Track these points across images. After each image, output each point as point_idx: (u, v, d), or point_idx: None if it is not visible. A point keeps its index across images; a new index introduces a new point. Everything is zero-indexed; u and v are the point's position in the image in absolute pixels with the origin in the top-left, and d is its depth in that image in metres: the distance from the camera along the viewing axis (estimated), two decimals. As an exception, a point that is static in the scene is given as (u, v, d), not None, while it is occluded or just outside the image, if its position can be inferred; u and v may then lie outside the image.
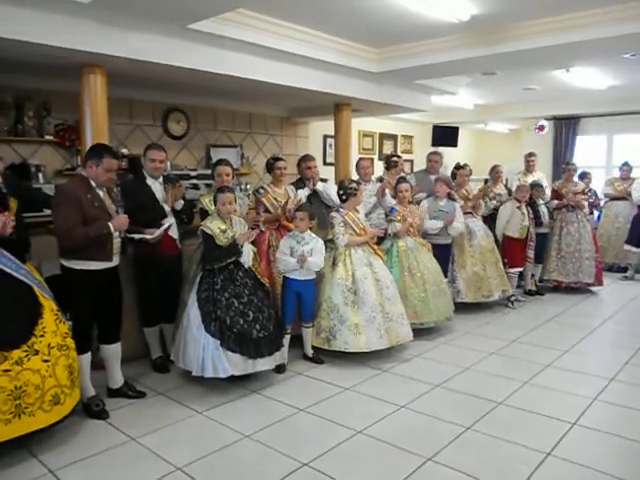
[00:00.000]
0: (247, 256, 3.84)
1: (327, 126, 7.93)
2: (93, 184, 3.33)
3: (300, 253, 4.02)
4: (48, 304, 3.06)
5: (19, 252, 3.06)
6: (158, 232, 3.76)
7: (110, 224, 3.26)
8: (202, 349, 3.62)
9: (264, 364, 3.74)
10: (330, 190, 4.90)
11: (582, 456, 2.84)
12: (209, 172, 6.27)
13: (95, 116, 4.27)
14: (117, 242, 3.40)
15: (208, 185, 6.28)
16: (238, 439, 3.07)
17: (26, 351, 2.84)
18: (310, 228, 4.20)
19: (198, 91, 6.17)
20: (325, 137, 8.78)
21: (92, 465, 2.82)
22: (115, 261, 3.42)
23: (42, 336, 2.93)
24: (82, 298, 3.32)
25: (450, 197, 5.50)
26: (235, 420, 3.30)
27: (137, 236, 3.59)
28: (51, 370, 2.92)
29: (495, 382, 3.88)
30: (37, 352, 2.88)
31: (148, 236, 3.71)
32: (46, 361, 2.91)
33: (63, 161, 5.73)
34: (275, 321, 3.89)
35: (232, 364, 3.59)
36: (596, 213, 8.04)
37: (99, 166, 3.30)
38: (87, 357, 3.39)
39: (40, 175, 5.37)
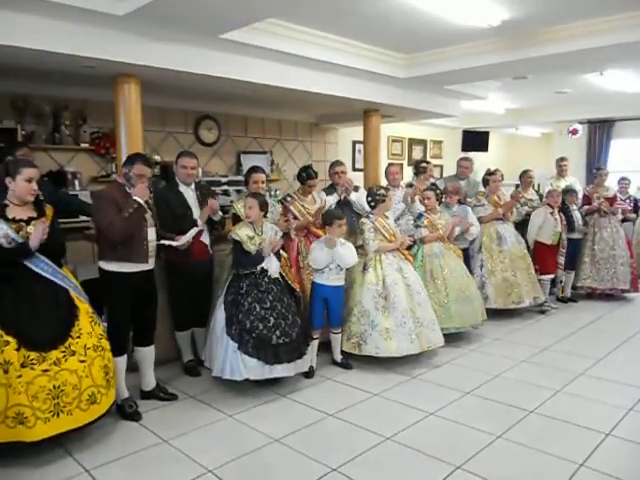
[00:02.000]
0: (274, 266, 3.86)
1: (356, 132, 7.97)
2: (128, 190, 3.42)
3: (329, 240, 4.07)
4: (83, 307, 3.15)
5: (55, 257, 3.15)
6: (185, 238, 3.81)
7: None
8: (224, 351, 3.68)
9: (282, 371, 3.70)
10: (362, 200, 4.89)
11: (616, 468, 2.78)
12: (240, 178, 6.44)
13: (129, 124, 4.39)
14: (152, 245, 3.49)
15: (238, 191, 6.39)
16: (268, 443, 3.10)
17: (63, 352, 2.93)
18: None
19: (229, 99, 6.27)
20: (354, 143, 8.80)
21: (126, 465, 2.89)
22: (151, 264, 3.51)
23: (78, 337, 3.02)
24: (119, 300, 3.42)
25: (460, 202, 5.51)
26: (265, 424, 3.33)
27: (166, 242, 3.65)
28: (87, 370, 3.00)
29: (526, 390, 3.83)
30: (74, 353, 2.97)
31: (175, 243, 3.77)
32: (83, 361, 2.99)
33: (98, 168, 5.89)
34: (300, 328, 3.87)
35: (248, 368, 3.61)
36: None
37: (131, 171, 3.39)
38: (123, 359, 3.47)
39: (76, 182, 5.53)
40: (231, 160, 7.17)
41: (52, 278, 3.06)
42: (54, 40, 3.62)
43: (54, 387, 2.86)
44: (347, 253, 4.13)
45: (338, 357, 4.34)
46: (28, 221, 3.04)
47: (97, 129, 5.81)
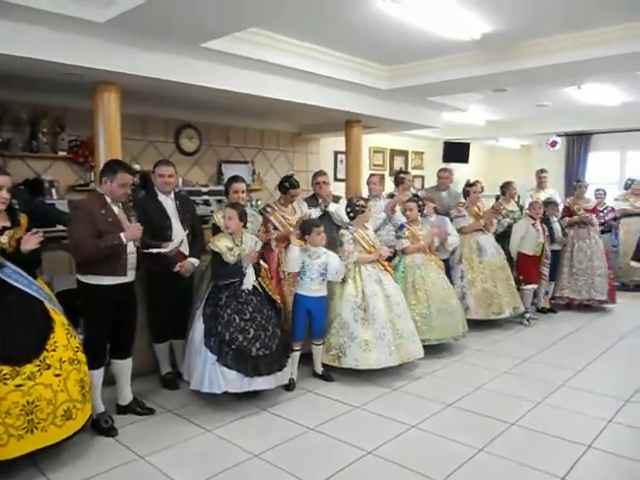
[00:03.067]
0: (250, 278, 3.81)
1: (338, 142, 7.97)
2: (108, 200, 3.36)
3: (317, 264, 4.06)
4: (59, 319, 3.08)
5: (30, 268, 3.08)
6: (173, 245, 3.76)
7: (122, 235, 3.26)
8: (202, 363, 3.62)
9: (262, 383, 3.65)
10: (341, 211, 4.87)
11: (597, 480, 2.78)
12: (220, 188, 6.38)
13: (108, 132, 4.33)
14: (132, 257, 3.41)
15: (219, 201, 6.34)
16: (247, 458, 3.04)
17: (38, 365, 2.84)
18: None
19: (210, 108, 6.22)
20: (336, 153, 8.80)
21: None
22: (130, 276, 3.43)
23: (54, 350, 2.94)
24: (98, 313, 3.34)
25: (437, 212, 5.53)
26: (244, 439, 3.27)
27: (154, 250, 3.59)
28: (63, 384, 2.92)
29: (508, 402, 3.83)
30: (49, 366, 2.88)
31: (163, 250, 3.71)
32: (58, 375, 2.91)
33: (76, 177, 5.80)
34: (280, 340, 3.82)
35: (228, 381, 3.55)
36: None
37: (113, 181, 3.34)
38: (100, 372, 3.39)
39: (53, 190, 5.43)
40: (212, 170, 7.11)
41: (26, 289, 2.99)
42: (34, 46, 3.55)
43: (28, 403, 2.76)
44: (337, 263, 4.12)
45: (319, 369, 4.29)
46: (2, 231, 2.96)
47: (76, 137, 5.71)
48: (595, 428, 3.38)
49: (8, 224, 3.01)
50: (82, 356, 3.12)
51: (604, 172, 9.85)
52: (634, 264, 7.23)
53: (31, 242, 2.96)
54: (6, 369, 2.75)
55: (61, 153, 5.61)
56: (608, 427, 3.41)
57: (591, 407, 3.71)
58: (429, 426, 3.43)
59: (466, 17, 4.23)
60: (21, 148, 5.39)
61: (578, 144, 9.99)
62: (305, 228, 4.17)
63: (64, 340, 3.02)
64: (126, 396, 3.62)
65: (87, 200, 3.44)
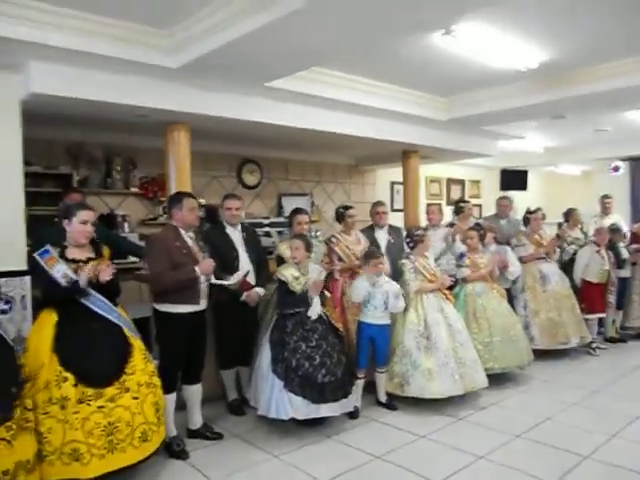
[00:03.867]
0: (315, 307, 3.91)
1: (394, 173, 8.08)
2: (182, 232, 3.57)
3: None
4: (137, 344, 3.25)
5: (112, 296, 3.28)
6: (235, 278, 3.93)
7: (196, 268, 3.46)
8: (270, 389, 3.71)
9: (328, 410, 3.72)
10: None
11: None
12: (281, 220, 6.58)
13: (179, 169, 4.60)
14: (204, 286, 3.59)
15: (280, 232, 6.51)
16: (314, 484, 3.09)
17: (119, 388, 3.00)
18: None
19: (270, 143, 6.48)
20: (392, 183, 8.89)
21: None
22: (203, 305, 3.61)
23: (132, 374, 3.09)
24: (172, 339, 3.52)
25: (497, 241, 5.48)
26: (310, 465, 3.32)
27: (217, 282, 3.76)
28: (140, 407, 3.06)
29: (579, 434, 3.70)
30: (128, 389, 3.04)
31: (226, 282, 3.88)
32: (136, 398, 3.05)
33: (146, 211, 6.13)
34: (345, 367, 3.88)
35: (294, 407, 3.62)
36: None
37: (182, 209, 3.56)
38: (173, 396, 3.54)
39: (125, 225, 5.77)
40: (272, 202, 7.34)
41: (108, 316, 3.18)
42: (112, 91, 3.89)
43: (109, 424, 2.92)
44: (397, 297, 4.19)
45: (383, 397, 4.30)
46: (87, 261, 3.19)
47: (146, 174, 6.06)
48: (675, 462, 3.23)
49: (93, 255, 3.24)
50: (157, 380, 3.27)
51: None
52: None
53: (106, 273, 3.16)
54: (90, 391, 2.92)
55: (133, 189, 5.97)
56: (690, 462, 3.25)
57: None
58: (498, 457, 3.37)
59: (520, 47, 4.28)
60: (97, 185, 5.79)
61: (643, 169, 9.69)
62: (366, 256, 4.26)
63: (142, 364, 3.18)
64: (196, 421, 3.75)
65: (162, 233, 3.66)
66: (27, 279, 3.76)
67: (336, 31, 3.33)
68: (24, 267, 3.74)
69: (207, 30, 3.50)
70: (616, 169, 9.73)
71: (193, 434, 3.73)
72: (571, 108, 5.79)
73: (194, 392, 3.71)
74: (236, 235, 4.26)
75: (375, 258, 4.19)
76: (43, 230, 3.84)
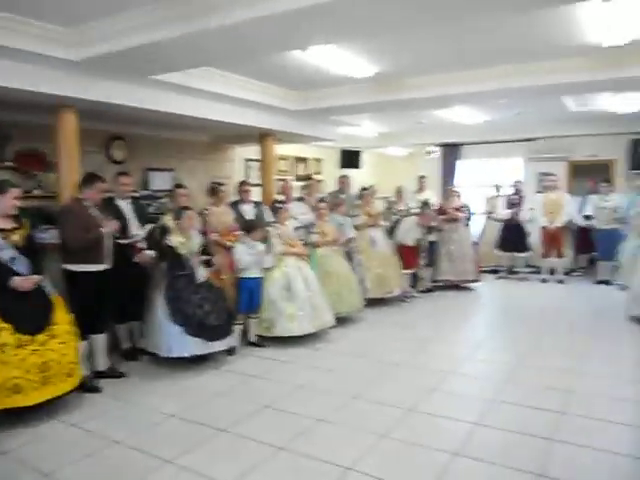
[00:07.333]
0: (201, 270, 4.84)
1: (249, 150, 9.03)
2: (87, 204, 4.24)
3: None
4: (57, 299, 3.92)
5: (35, 261, 3.88)
6: (142, 235, 4.78)
7: (102, 229, 4.23)
8: (169, 335, 4.58)
9: (219, 345, 4.75)
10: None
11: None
12: (148, 193, 7.24)
13: (67, 147, 5.09)
14: (108, 248, 4.32)
15: (148, 205, 7.15)
16: (210, 397, 4.08)
17: (48, 335, 3.70)
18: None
19: (138, 121, 7.02)
20: (247, 160, 9.81)
21: (102, 420, 3.72)
22: (107, 264, 4.32)
23: (57, 324, 3.80)
24: (80, 295, 4.20)
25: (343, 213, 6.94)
26: (209, 386, 4.33)
27: (124, 241, 4.54)
28: (66, 349, 3.78)
29: (395, 350, 5.15)
30: (54, 336, 3.74)
31: (132, 239, 4.76)
32: (62, 343, 3.77)
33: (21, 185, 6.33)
34: (227, 313, 4.90)
35: (193, 346, 4.58)
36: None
37: (92, 189, 4.27)
38: (86, 343, 4.26)
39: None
40: (139, 176, 7.85)
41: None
42: (16, 78, 4.33)
43: (42, 363, 3.61)
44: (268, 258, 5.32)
45: (254, 338, 5.38)
46: (12, 230, 3.75)
47: (22, 149, 6.25)
48: (461, 359, 4.78)
49: (17, 225, 3.80)
50: (75, 329, 3.97)
51: (471, 176, 11.70)
52: (497, 252, 9.06)
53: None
54: (25, 338, 3.58)
55: (7, 163, 6.15)
56: (474, 351, 4.84)
57: (457, 346, 5.15)
58: (342, 369, 4.69)
59: (359, 61, 5.48)
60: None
61: (450, 153, 11.78)
62: (250, 227, 5.28)
63: (63, 316, 3.87)
64: (103, 363, 4.48)
65: (71, 205, 4.34)
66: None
67: (215, 49, 4.24)
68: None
69: (107, 35, 4.14)
70: (431, 153, 11.71)
71: (100, 375, 4.44)
72: (395, 108, 7.26)
73: (100, 340, 4.43)
74: (126, 207, 4.96)
75: (258, 228, 5.22)
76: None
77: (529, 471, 2.95)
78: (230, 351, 5.05)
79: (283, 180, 7.55)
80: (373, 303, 6.88)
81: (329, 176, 10.69)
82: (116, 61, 4.45)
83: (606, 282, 8.33)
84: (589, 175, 9.34)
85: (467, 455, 3.15)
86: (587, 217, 8.69)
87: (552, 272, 8.78)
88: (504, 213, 9.11)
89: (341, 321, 6.00)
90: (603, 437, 3.34)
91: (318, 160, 11.93)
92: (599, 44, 4.79)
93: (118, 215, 4.83)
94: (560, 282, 8.60)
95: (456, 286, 8.22)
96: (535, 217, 8.78)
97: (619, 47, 4.82)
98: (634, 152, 9.56)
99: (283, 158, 10.88)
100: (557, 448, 3.21)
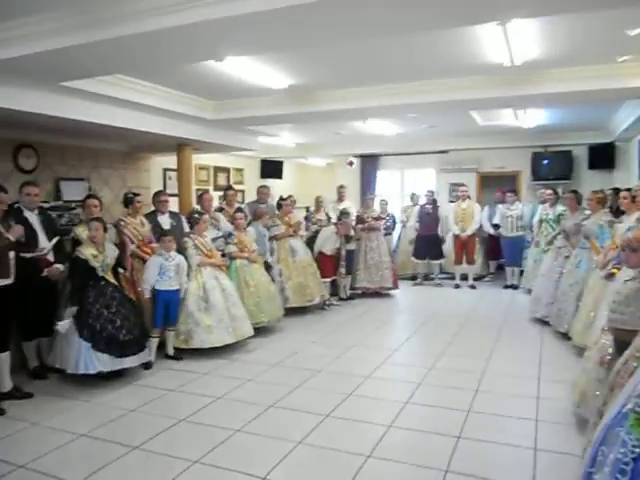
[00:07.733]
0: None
1: (167, 160, 8.86)
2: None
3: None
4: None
5: None
6: (48, 248, 4.55)
7: (9, 235, 4.03)
8: (77, 351, 4.41)
9: (129, 362, 4.62)
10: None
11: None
12: (60, 204, 6.94)
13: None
14: (12, 263, 4.10)
15: (60, 216, 6.86)
16: (124, 413, 3.97)
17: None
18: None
19: (47, 128, 6.72)
20: (165, 170, 9.63)
21: (3, 444, 3.53)
22: (11, 279, 4.10)
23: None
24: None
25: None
26: (122, 402, 4.20)
27: (28, 254, 4.31)
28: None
29: (318, 358, 5.22)
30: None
31: (39, 252, 4.50)
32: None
33: None
34: (140, 327, 4.79)
35: (101, 362, 4.43)
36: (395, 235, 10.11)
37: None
38: (2, 356, 4.11)
39: None
40: (50, 186, 7.52)
41: None
42: None
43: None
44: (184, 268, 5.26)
45: (171, 351, 5.28)
46: None
47: None
48: (375, 363, 4.93)
49: None
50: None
51: (389, 186, 12.08)
52: (414, 260, 9.39)
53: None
54: None
55: None
56: (391, 356, 5.00)
57: (376, 351, 5.30)
58: (263, 378, 4.71)
59: (273, 73, 5.55)
60: None
61: (370, 164, 12.11)
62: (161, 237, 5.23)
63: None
64: (7, 384, 4.24)
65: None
66: None
67: (129, 58, 4.18)
68: None
69: (13, 38, 3.96)
70: (351, 163, 11.97)
71: (5, 396, 4.20)
72: (313, 119, 7.39)
73: (3, 359, 4.19)
74: (34, 218, 4.74)
75: (167, 237, 5.14)
76: None
77: (436, 468, 3.10)
78: (146, 365, 4.93)
79: (203, 190, 7.46)
80: (294, 312, 6.95)
81: (251, 186, 10.67)
82: (24, 66, 4.26)
83: (513, 287, 8.86)
84: (497, 185, 9.90)
85: (379, 457, 3.27)
86: (495, 225, 9.23)
87: (464, 278, 9.22)
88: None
89: (261, 331, 6.02)
90: (507, 432, 3.58)
91: (239, 170, 11.89)
92: (501, 64, 5.13)
93: (25, 227, 4.62)
94: (472, 287, 9.04)
95: (376, 293, 8.44)
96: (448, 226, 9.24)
97: (518, 67, 5.19)
98: (535, 164, 10.24)
99: (203, 168, 10.79)
100: (463, 445, 3.39)
